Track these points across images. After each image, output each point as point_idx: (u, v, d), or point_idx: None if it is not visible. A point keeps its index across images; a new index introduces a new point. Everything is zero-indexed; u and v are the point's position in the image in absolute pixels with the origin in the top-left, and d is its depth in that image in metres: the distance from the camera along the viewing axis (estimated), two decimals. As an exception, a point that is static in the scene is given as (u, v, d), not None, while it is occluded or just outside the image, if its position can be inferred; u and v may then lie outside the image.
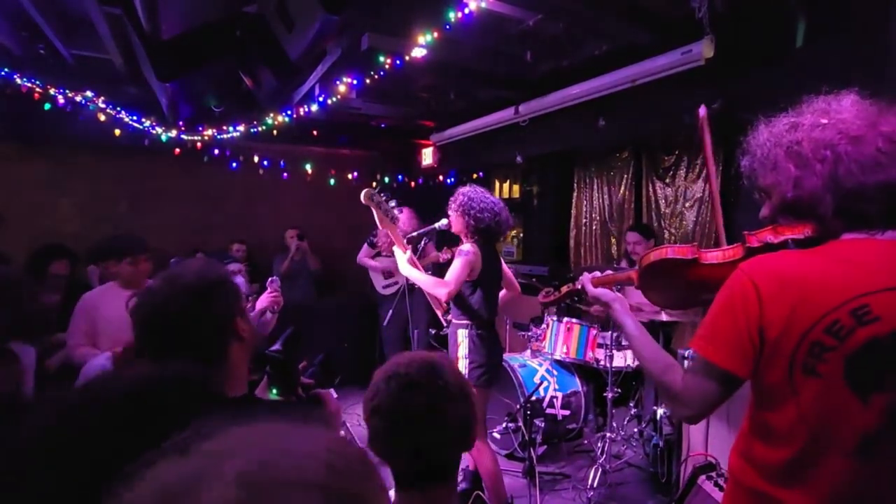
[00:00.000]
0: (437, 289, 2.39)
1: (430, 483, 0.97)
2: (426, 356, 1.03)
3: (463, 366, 2.46)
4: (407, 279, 2.61)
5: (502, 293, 2.71)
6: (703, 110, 1.42)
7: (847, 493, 0.90)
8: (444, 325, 2.61)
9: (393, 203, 2.51)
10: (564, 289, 1.48)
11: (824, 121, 0.94)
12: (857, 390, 0.87)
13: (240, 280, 2.54)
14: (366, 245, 4.01)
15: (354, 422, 3.98)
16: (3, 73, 3.80)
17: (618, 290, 1.34)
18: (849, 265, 0.90)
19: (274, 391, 1.18)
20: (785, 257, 0.96)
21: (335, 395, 1.43)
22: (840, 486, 0.90)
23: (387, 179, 6.04)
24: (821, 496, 0.91)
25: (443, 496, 0.99)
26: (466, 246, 2.45)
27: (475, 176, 5.95)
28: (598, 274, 1.38)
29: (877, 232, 0.92)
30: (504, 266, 2.71)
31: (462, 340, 2.48)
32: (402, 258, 2.48)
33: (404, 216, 3.69)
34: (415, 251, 2.67)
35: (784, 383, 0.91)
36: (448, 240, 3.45)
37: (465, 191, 2.56)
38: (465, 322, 2.50)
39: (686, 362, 2.48)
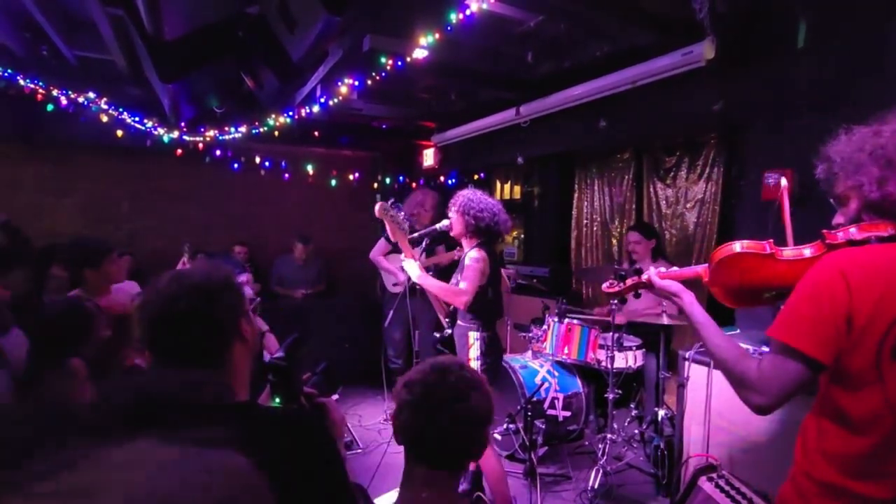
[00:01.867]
0: (454, 298, 2.45)
1: (436, 465, 1.06)
2: (455, 365, 1.14)
3: (475, 367, 2.48)
4: (409, 279, 2.62)
5: None
6: (784, 182, 1.50)
7: None
8: (445, 327, 2.63)
9: (402, 214, 2.57)
10: (630, 281, 1.49)
11: None
12: None
13: (246, 290, 2.55)
14: (381, 241, 3.98)
15: (355, 422, 3.99)
16: (6, 74, 3.81)
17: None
18: None
19: (277, 399, 1.17)
20: (872, 249, 1.00)
21: (336, 397, 1.43)
22: None
23: (388, 180, 6.05)
24: (891, 488, 0.93)
25: (444, 481, 1.06)
26: (475, 253, 2.48)
27: (476, 177, 5.95)
28: (662, 270, 1.40)
29: None
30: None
31: (473, 342, 2.51)
32: (414, 267, 2.52)
33: (421, 196, 3.72)
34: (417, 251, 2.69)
35: (870, 369, 0.94)
36: (449, 241, 3.45)
37: (465, 192, 2.59)
38: (474, 324, 2.52)
39: (686, 363, 2.48)
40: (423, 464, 1.06)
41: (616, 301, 3.39)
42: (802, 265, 1.06)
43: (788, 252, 1.16)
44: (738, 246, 1.20)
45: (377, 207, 2.46)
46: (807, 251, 1.14)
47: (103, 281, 2.31)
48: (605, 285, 1.58)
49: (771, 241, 1.19)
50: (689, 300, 1.25)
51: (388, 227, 2.53)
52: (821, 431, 1.03)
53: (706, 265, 1.30)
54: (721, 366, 1.10)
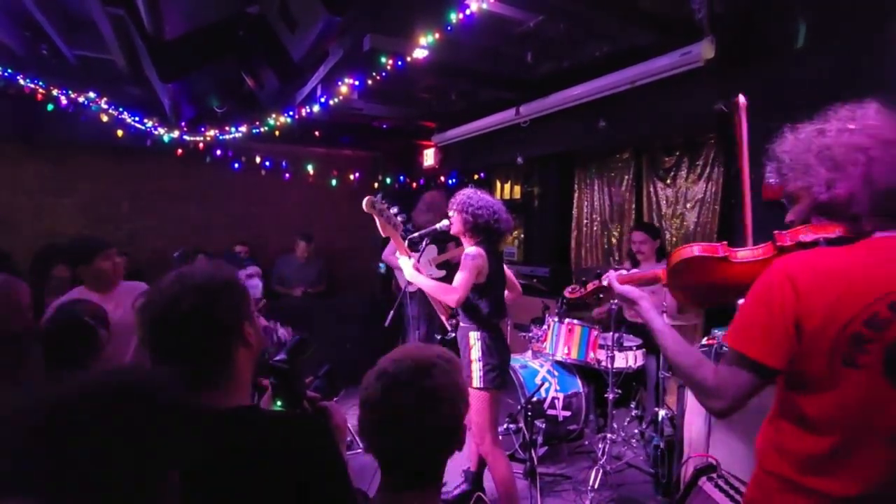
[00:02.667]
0: (445, 295, 2.39)
1: (407, 487, 0.97)
2: (420, 354, 1.01)
3: (477, 368, 2.45)
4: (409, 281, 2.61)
5: (505, 294, 2.71)
6: (742, 98, 1.44)
7: (881, 482, 0.93)
8: (449, 329, 2.61)
9: (395, 210, 2.52)
10: (590, 286, 1.48)
11: (852, 126, 0.99)
12: (894, 381, 0.90)
13: (256, 283, 2.53)
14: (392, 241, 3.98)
15: (355, 422, 3.98)
16: (6, 73, 3.81)
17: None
18: (884, 261, 0.94)
19: (279, 403, 1.15)
20: (820, 253, 1.00)
21: (337, 397, 1.42)
22: (875, 476, 0.93)
23: (388, 180, 6.05)
24: (860, 485, 0.94)
25: (419, 492, 0.98)
26: (472, 249, 2.44)
27: (476, 177, 5.96)
28: (623, 272, 1.39)
29: None
30: (505, 268, 2.71)
31: (474, 343, 2.48)
32: (408, 264, 2.48)
33: (436, 195, 3.67)
34: (415, 251, 2.68)
35: (824, 374, 0.94)
36: (451, 241, 3.45)
37: (465, 191, 2.58)
38: (474, 325, 2.49)
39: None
40: (396, 479, 0.98)
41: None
42: (756, 267, 1.06)
43: (742, 254, 1.16)
44: (695, 249, 1.20)
45: (365, 202, 2.37)
46: (758, 253, 1.14)
47: (96, 278, 2.25)
48: (567, 290, 1.57)
49: (725, 243, 1.19)
50: (646, 306, 1.24)
51: (378, 223, 2.45)
52: (778, 431, 1.04)
53: (664, 267, 1.29)
54: (680, 372, 1.10)
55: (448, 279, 3.02)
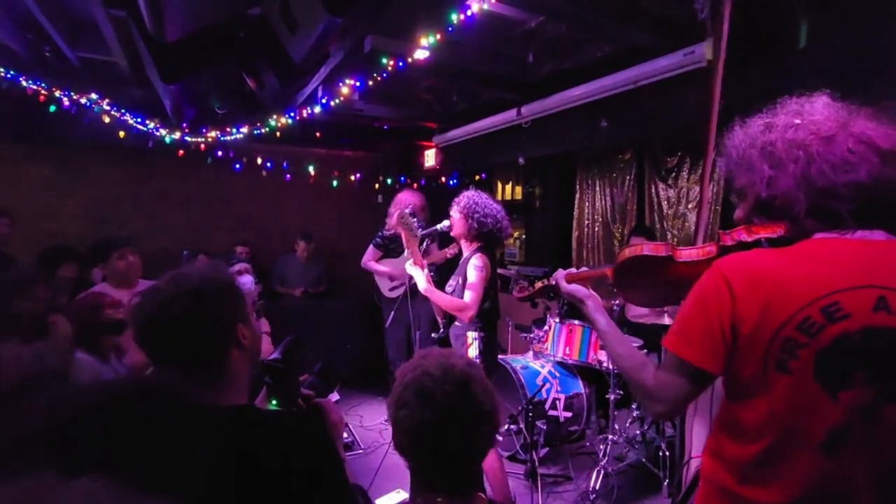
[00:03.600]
0: (458, 312, 2.45)
1: (455, 482, 0.99)
2: (458, 372, 0.98)
3: None
4: (410, 280, 2.62)
5: None
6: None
7: (816, 489, 0.91)
8: (441, 328, 2.63)
9: (416, 221, 2.60)
10: (538, 284, 1.48)
11: (797, 121, 0.96)
12: (826, 387, 0.88)
13: (247, 279, 2.55)
14: (371, 248, 3.99)
15: (356, 423, 3.99)
16: (8, 75, 3.82)
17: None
18: (820, 263, 0.91)
19: (274, 402, 1.15)
20: (758, 255, 0.97)
21: (337, 398, 1.41)
22: (809, 484, 0.91)
23: (389, 181, 6.05)
24: (789, 494, 0.92)
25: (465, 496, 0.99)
26: (477, 260, 2.48)
27: (477, 177, 5.95)
28: (573, 270, 1.38)
29: (847, 231, 0.93)
30: None
31: (472, 342, 2.52)
32: (421, 277, 2.52)
33: (409, 196, 3.75)
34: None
35: (757, 379, 0.92)
36: (451, 241, 3.45)
37: (469, 194, 2.58)
38: (472, 325, 2.52)
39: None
40: (442, 487, 0.97)
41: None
42: (700, 267, 1.04)
43: (685, 253, 1.15)
44: (641, 248, 1.19)
45: (396, 216, 2.50)
46: (701, 252, 1.14)
47: (114, 275, 2.40)
48: (514, 290, 1.57)
49: (669, 243, 1.18)
50: (592, 305, 1.24)
51: (403, 236, 2.56)
52: (717, 437, 1.03)
53: (611, 266, 1.29)
54: (623, 373, 1.10)
55: (436, 279, 3.04)
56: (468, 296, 2.42)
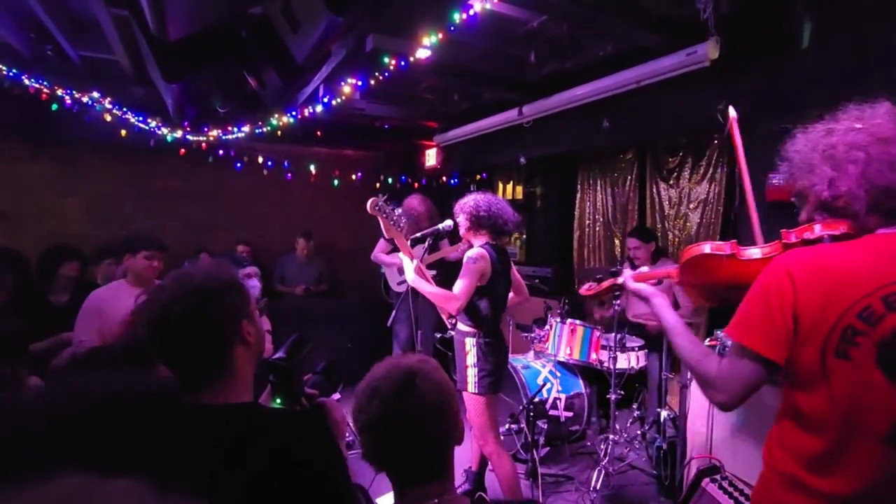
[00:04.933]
0: (446, 303, 2.38)
1: (422, 482, 1.00)
2: (404, 368, 1.02)
3: (472, 374, 2.44)
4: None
5: (511, 296, 2.68)
6: (733, 112, 1.50)
7: (881, 480, 0.93)
8: (449, 327, 2.61)
9: (398, 211, 2.51)
10: (605, 283, 1.53)
11: (858, 125, 1.01)
12: (888, 374, 0.90)
13: (255, 283, 2.55)
14: (381, 240, 3.96)
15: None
16: (11, 73, 3.83)
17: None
18: (882, 255, 0.95)
19: (278, 400, 1.16)
20: (819, 249, 1.02)
21: (338, 397, 1.42)
22: (873, 474, 0.93)
23: (390, 180, 6.05)
24: (854, 484, 0.94)
25: (438, 491, 1.00)
26: (473, 252, 2.42)
27: (478, 177, 5.95)
28: (641, 270, 1.45)
29: None
30: (514, 270, 2.69)
31: (470, 349, 2.46)
32: (410, 267, 2.46)
33: (415, 202, 3.70)
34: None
35: (817, 367, 0.95)
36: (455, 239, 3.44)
37: (475, 195, 2.56)
38: (472, 330, 2.47)
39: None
40: (410, 480, 1.00)
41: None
42: (763, 264, 1.08)
43: (748, 253, 1.19)
44: (703, 247, 1.23)
45: (369, 203, 2.37)
46: (766, 251, 1.17)
47: (133, 273, 2.46)
48: (583, 288, 1.61)
49: (734, 241, 1.22)
50: (658, 303, 1.28)
51: (381, 224, 2.45)
52: (781, 428, 1.07)
53: (677, 265, 1.33)
54: (687, 365, 1.14)
55: (440, 278, 3.02)
56: (457, 285, 2.34)
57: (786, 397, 1.05)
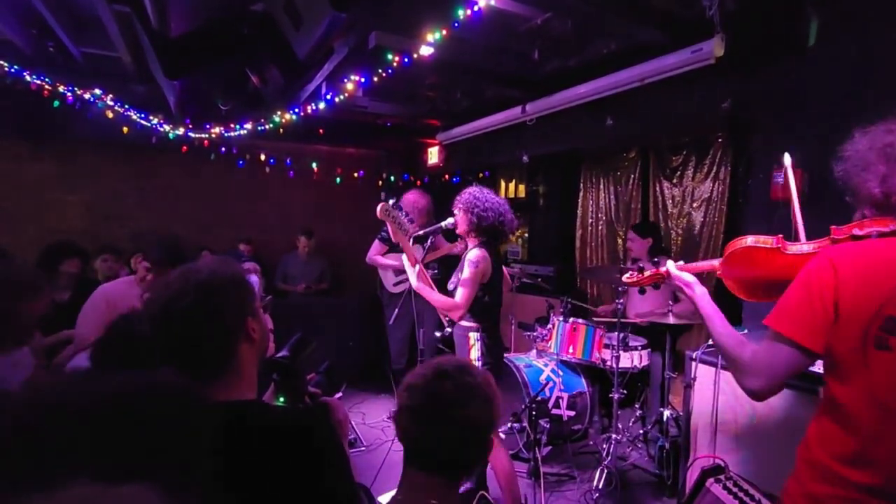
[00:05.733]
0: (449, 311, 2.44)
1: (434, 471, 1.04)
2: (436, 365, 1.10)
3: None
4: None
5: None
6: (788, 158, 1.52)
7: None
8: (446, 325, 2.62)
9: (405, 216, 2.56)
10: (647, 273, 1.55)
11: None
12: None
13: (254, 279, 2.55)
14: (377, 242, 3.97)
15: (359, 420, 3.99)
16: (12, 70, 3.82)
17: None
18: None
19: (281, 399, 1.17)
20: (865, 243, 1.03)
21: (340, 395, 1.42)
22: None
23: (392, 178, 6.04)
24: (882, 474, 0.95)
25: (443, 487, 1.04)
26: (474, 254, 2.44)
27: (481, 175, 5.94)
28: (682, 263, 1.47)
29: None
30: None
31: (474, 343, 2.49)
32: (412, 272, 2.49)
33: (415, 196, 3.72)
34: (422, 249, 2.67)
35: (857, 356, 0.96)
36: (455, 237, 3.43)
37: (471, 190, 2.57)
38: (474, 325, 2.50)
39: (693, 364, 2.47)
40: (421, 469, 1.05)
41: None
42: (808, 259, 1.09)
43: (794, 248, 1.20)
44: (749, 240, 1.25)
45: (379, 208, 2.43)
46: (814, 246, 1.18)
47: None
48: (625, 277, 1.64)
49: (780, 235, 1.23)
50: (700, 291, 1.31)
51: (389, 229, 2.50)
52: (819, 422, 1.08)
53: (721, 259, 1.34)
54: (722, 351, 1.16)
55: (440, 275, 3.01)
56: (459, 293, 2.39)
57: (825, 391, 1.06)
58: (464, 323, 2.53)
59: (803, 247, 1.20)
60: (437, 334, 2.69)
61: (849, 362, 0.98)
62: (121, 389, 0.57)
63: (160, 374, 0.64)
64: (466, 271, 2.41)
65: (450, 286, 2.56)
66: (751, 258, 1.25)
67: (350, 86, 3.46)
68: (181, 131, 4.72)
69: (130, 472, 0.39)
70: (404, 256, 2.55)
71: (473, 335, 2.49)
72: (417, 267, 2.50)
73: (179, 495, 0.38)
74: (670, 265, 1.45)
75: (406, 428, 1.06)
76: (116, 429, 0.50)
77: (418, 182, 6.02)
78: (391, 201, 2.52)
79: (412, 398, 1.06)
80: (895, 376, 0.93)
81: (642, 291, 1.72)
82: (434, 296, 2.47)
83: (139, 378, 0.61)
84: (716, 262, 1.37)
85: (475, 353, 2.48)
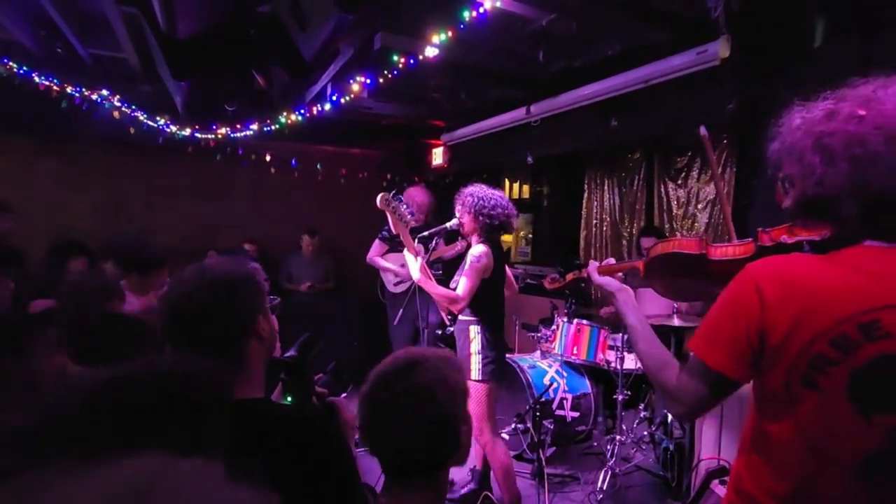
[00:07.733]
0: (450, 304, 2.44)
1: (408, 478, 0.98)
2: (410, 355, 1.02)
3: (476, 361, 2.47)
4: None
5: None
6: (703, 130, 1.46)
7: None
8: (448, 324, 2.62)
9: (406, 207, 2.53)
10: (570, 276, 1.49)
11: (862, 112, 0.84)
12: (860, 408, 0.82)
13: None
14: (377, 242, 3.98)
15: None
16: (21, 71, 3.86)
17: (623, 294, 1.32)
18: (863, 275, 0.83)
19: (288, 398, 1.17)
20: (795, 260, 0.90)
21: (345, 395, 1.42)
22: None
23: (397, 179, 6.05)
24: None
25: (420, 490, 0.98)
26: (478, 249, 2.44)
27: (485, 176, 5.94)
28: (609, 261, 1.36)
29: None
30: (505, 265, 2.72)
31: (474, 336, 2.50)
32: (415, 265, 2.49)
33: (417, 192, 3.71)
34: (426, 251, 2.67)
35: (783, 393, 0.86)
36: (455, 237, 3.43)
37: (472, 191, 2.57)
38: (475, 319, 2.51)
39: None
40: (398, 482, 0.98)
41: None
42: (736, 266, 0.97)
43: (719, 251, 1.12)
44: (671, 244, 1.18)
45: (379, 198, 2.40)
46: (738, 251, 1.09)
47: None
48: (546, 281, 1.57)
49: (703, 239, 1.15)
50: (623, 299, 1.20)
51: (389, 220, 2.48)
52: (749, 457, 0.98)
53: (644, 258, 1.27)
54: (647, 372, 1.05)
55: (443, 276, 3.02)
56: (461, 284, 2.39)
57: (753, 418, 0.96)
58: (464, 316, 2.54)
59: (727, 251, 1.10)
60: (438, 332, 2.70)
61: (778, 399, 0.87)
62: (179, 370, 0.59)
63: (196, 360, 0.66)
64: (470, 266, 2.42)
65: (452, 285, 2.56)
66: (676, 262, 1.17)
67: (355, 87, 3.48)
68: (187, 132, 4.75)
69: (196, 446, 0.40)
70: (405, 251, 2.54)
71: (474, 328, 2.50)
72: (419, 260, 2.49)
73: (237, 472, 0.39)
74: (591, 266, 1.34)
75: (364, 440, 0.99)
76: (186, 405, 0.52)
77: (423, 182, 6.02)
78: (392, 192, 2.48)
79: (361, 412, 0.99)
80: (827, 418, 0.83)
81: (566, 297, 1.67)
82: (436, 289, 2.48)
83: (185, 360, 0.63)
84: (638, 263, 1.28)
85: (475, 347, 2.48)
